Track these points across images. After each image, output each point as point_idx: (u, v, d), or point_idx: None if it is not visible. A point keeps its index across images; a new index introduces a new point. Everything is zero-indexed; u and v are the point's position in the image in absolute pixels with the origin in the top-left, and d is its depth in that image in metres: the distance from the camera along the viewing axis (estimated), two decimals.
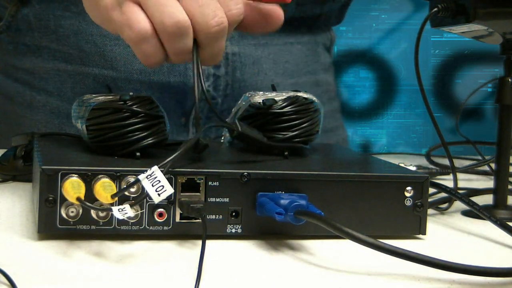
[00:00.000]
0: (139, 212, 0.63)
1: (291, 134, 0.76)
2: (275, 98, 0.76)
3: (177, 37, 0.69)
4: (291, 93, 0.78)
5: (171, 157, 0.62)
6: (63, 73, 1.03)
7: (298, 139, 0.76)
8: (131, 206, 0.60)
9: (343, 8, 1.17)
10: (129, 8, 0.69)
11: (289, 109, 0.76)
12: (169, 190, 0.60)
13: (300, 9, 1.08)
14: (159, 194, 0.60)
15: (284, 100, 0.76)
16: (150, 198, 0.60)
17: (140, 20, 0.69)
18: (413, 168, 0.99)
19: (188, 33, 0.69)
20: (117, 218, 0.62)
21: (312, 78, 1.12)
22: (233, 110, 0.79)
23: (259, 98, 0.77)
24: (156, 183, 0.60)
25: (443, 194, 0.79)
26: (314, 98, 0.79)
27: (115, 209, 0.59)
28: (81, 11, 1.02)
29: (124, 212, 0.59)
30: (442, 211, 0.80)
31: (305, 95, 0.78)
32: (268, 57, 1.07)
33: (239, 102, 0.79)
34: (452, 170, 0.80)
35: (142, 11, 0.69)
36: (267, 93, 0.79)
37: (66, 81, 1.03)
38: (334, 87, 1.19)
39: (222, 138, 0.82)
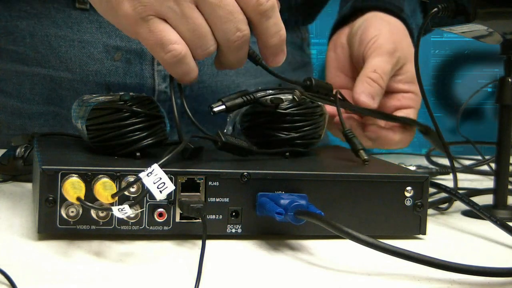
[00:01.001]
0: (139, 211, 0.63)
1: (294, 135, 0.76)
2: (281, 97, 0.76)
3: (205, 54, 0.69)
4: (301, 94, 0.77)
5: (169, 155, 0.62)
6: (21, 75, 1.03)
7: (300, 141, 0.76)
8: (131, 206, 0.60)
9: (309, 7, 1.16)
10: (158, 26, 0.67)
11: (295, 111, 0.76)
12: (170, 186, 0.60)
13: None
14: (161, 191, 0.60)
15: (291, 100, 0.76)
16: (152, 195, 0.60)
17: (173, 41, 0.67)
18: (413, 168, 1.00)
19: (214, 48, 0.69)
20: (117, 218, 0.62)
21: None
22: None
23: (266, 95, 0.76)
24: (157, 180, 0.60)
25: (443, 194, 0.79)
26: (319, 102, 0.78)
27: (115, 209, 0.59)
28: (37, 12, 1.03)
29: (124, 211, 0.59)
30: (442, 211, 0.80)
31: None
32: None
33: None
34: (452, 170, 0.80)
35: (172, 29, 0.68)
36: (273, 91, 0.78)
37: (24, 83, 1.03)
38: None
39: (225, 131, 0.82)
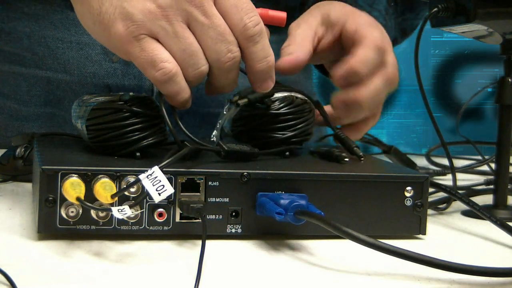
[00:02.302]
0: (139, 212, 0.63)
1: (290, 134, 0.76)
2: (270, 98, 0.76)
3: (197, 73, 0.69)
4: (286, 93, 0.78)
5: (171, 158, 0.62)
6: (18, 76, 1.03)
7: (296, 139, 0.76)
8: (131, 206, 0.60)
9: (308, 7, 1.15)
10: (150, 45, 0.67)
11: (287, 110, 0.76)
12: (169, 189, 0.60)
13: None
14: (159, 194, 0.60)
15: (281, 100, 0.77)
16: (151, 197, 0.60)
17: (164, 59, 0.67)
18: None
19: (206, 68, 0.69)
20: (117, 218, 0.62)
21: (277, 78, 1.11)
22: (224, 110, 0.79)
23: (253, 97, 0.77)
24: (156, 183, 0.60)
25: (443, 194, 0.79)
26: (306, 99, 0.79)
27: (114, 209, 0.59)
28: (34, 13, 1.03)
29: (124, 212, 0.59)
30: (441, 211, 0.80)
31: (299, 95, 0.78)
32: None
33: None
34: (451, 170, 0.80)
35: (164, 48, 0.68)
36: (259, 93, 0.78)
37: (21, 84, 1.03)
38: (307, 86, 1.18)
39: (213, 136, 0.82)
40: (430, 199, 0.76)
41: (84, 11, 0.72)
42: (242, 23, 0.68)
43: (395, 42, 1.10)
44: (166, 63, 0.67)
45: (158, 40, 0.68)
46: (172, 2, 0.67)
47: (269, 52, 0.70)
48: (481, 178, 1.03)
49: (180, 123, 0.70)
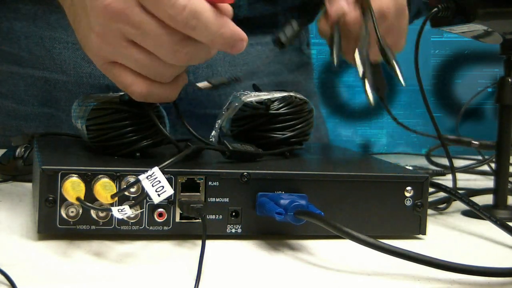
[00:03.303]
0: (139, 211, 0.63)
1: (289, 134, 0.76)
2: (270, 98, 0.76)
3: (168, 78, 0.67)
4: (284, 93, 0.78)
5: (171, 159, 0.62)
6: (16, 76, 1.03)
7: (295, 139, 0.76)
8: (131, 206, 0.60)
9: (308, 7, 1.15)
10: (114, 72, 0.67)
11: (287, 110, 0.76)
12: (169, 191, 0.60)
13: (252, 8, 1.06)
14: (159, 195, 0.60)
15: (281, 100, 0.77)
16: (150, 198, 0.60)
17: (129, 83, 0.66)
18: (410, 168, 1.00)
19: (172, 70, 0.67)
20: (117, 218, 0.62)
21: (275, 79, 1.10)
22: (223, 111, 0.79)
23: (251, 98, 0.77)
24: (156, 184, 0.60)
25: (443, 194, 0.79)
26: (306, 99, 0.79)
27: (114, 209, 0.59)
28: (32, 13, 1.03)
29: (124, 212, 0.59)
30: (441, 211, 0.80)
31: (298, 95, 0.78)
32: (224, 60, 1.05)
33: (228, 102, 0.79)
34: (451, 170, 0.80)
35: (127, 70, 0.66)
36: (257, 93, 0.79)
37: (19, 84, 1.03)
38: (307, 87, 1.18)
39: (211, 137, 0.82)
40: (430, 199, 0.76)
41: None
42: (168, 16, 0.63)
43: (419, 13, 1.09)
44: (132, 87, 0.66)
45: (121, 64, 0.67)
46: (104, 27, 0.65)
47: (215, 26, 0.63)
48: (480, 178, 1.03)
49: (185, 122, 0.70)
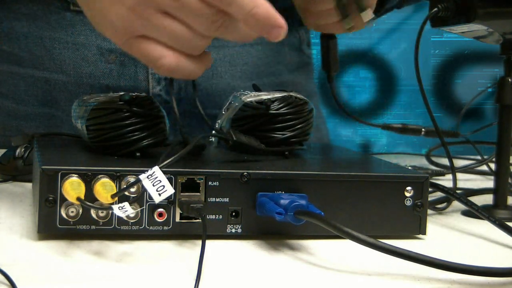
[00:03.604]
0: (139, 209, 0.62)
1: (289, 134, 0.76)
2: (270, 98, 0.76)
3: (199, 49, 0.67)
4: (284, 93, 0.78)
5: (171, 158, 0.62)
6: (16, 76, 1.03)
7: (295, 139, 0.76)
8: (130, 203, 0.60)
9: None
10: (141, 46, 0.66)
11: (287, 110, 0.76)
12: (169, 190, 0.60)
13: None
14: (159, 194, 0.60)
15: (281, 100, 0.77)
16: (151, 198, 0.60)
17: (158, 56, 0.66)
18: (410, 169, 1.00)
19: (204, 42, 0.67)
20: (117, 218, 0.62)
21: (275, 80, 1.10)
22: (223, 111, 0.79)
23: (251, 98, 0.77)
24: (157, 183, 0.60)
25: (441, 194, 0.79)
26: (306, 99, 0.79)
27: (115, 207, 0.59)
28: (32, 13, 1.03)
29: (124, 209, 0.59)
30: (440, 211, 0.80)
31: (298, 95, 0.78)
32: (224, 60, 1.05)
33: (228, 102, 0.79)
34: (451, 170, 0.80)
35: (156, 43, 0.66)
36: (257, 93, 0.79)
37: (19, 84, 1.03)
38: (308, 87, 1.18)
39: (211, 137, 0.82)
40: (430, 199, 0.76)
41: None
42: None
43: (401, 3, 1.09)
44: (161, 60, 0.66)
45: (149, 37, 0.67)
46: (139, 0, 0.65)
47: (249, 5, 0.63)
48: (480, 178, 1.03)
49: (199, 105, 0.69)
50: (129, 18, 0.66)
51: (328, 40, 0.89)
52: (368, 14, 0.78)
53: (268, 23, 0.64)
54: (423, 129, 0.95)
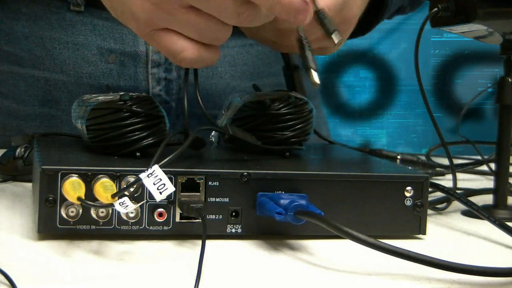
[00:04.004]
0: (139, 204, 0.62)
1: (289, 134, 0.76)
2: (269, 98, 0.76)
3: (222, 41, 0.67)
4: (284, 93, 0.78)
5: (170, 156, 0.62)
6: (17, 76, 1.03)
7: (295, 139, 0.76)
8: (130, 198, 0.60)
9: None
10: (163, 39, 0.67)
11: (287, 110, 0.76)
12: (170, 188, 0.60)
13: None
14: (160, 192, 0.60)
15: (281, 100, 0.77)
16: (152, 196, 0.60)
17: (180, 50, 0.67)
18: (410, 169, 1.00)
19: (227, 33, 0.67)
20: (117, 218, 0.62)
21: (275, 80, 1.10)
22: (223, 111, 0.79)
23: (251, 98, 0.77)
24: (157, 181, 0.60)
25: (441, 194, 0.79)
26: (306, 99, 0.79)
27: (116, 203, 0.59)
28: (32, 13, 1.03)
29: (125, 204, 0.59)
30: (440, 211, 0.80)
31: (298, 95, 0.78)
32: (224, 60, 1.05)
33: (228, 102, 0.79)
34: (452, 170, 0.80)
35: (178, 36, 0.67)
36: (257, 93, 0.79)
37: (19, 84, 1.03)
38: (308, 87, 1.18)
39: (211, 137, 0.82)
40: (430, 199, 0.76)
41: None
42: None
43: (402, 10, 1.09)
44: (183, 53, 0.67)
45: (172, 30, 0.67)
46: None
47: None
48: (480, 178, 1.03)
49: (200, 100, 0.69)
50: (153, 12, 0.66)
51: (291, 72, 0.87)
52: (337, 36, 0.76)
53: (293, 8, 0.64)
54: (398, 156, 0.97)
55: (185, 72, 0.72)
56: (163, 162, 0.61)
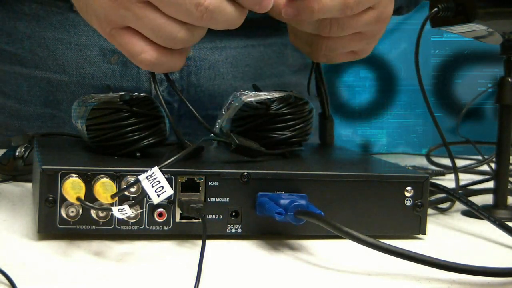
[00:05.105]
0: (139, 211, 0.63)
1: (289, 134, 0.76)
2: (270, 98, 0.76)
3: (178, 43, 0.66)
4: (284, 93, 0.78)
5: (171, 159, 0.62)
6: (19, 76, 1.04)
7: (295, 139, 0.76)
8: (131, 206, 0.60)
9: None
10: (123, 38, 0.67)
11: (287, 110, 0.76)
12: (168, 191, 0.60)
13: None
14: (158, 195, 0.60)
15: (280, 100, 0.77)
16: (150, 198, 0.60)
17: (139, 51, 0.66)
18: (410, 169, 1.00)
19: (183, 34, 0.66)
20: (117, 218, 0.62)
21: (277, 81, 1.10)
22: (223, 111, 0.79)
23: (252, 98, 0.77)
24: (156, 184, 0.60)
25: (443, 194, 0.79)
26: (306, 99, 0.79)
27: (114, 209, 0.59)
28: (35, 14, 1.03)
29: (124, 212, 0.59)
30: (442, 211, 0.80)
31: (298, 95, 0.78)
32: (226, 61, 1.05)
33: (228, 102, 0.79)
34: (454, 170, 0.80)
35: (138, 36, 0.66)
36: (257, 93, 0.79)
37: (22, 84, 1.04)
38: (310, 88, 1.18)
39: (217, 125, 0.82)
40: (431, 199, 0.76)
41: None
42: None
43: (399, 10, 1.09)
44: (142, 55, 0.66)
45: (132, 29, 0.66)
46: None
47: None
48: (481, 178, 1.03)
49: (193, 109, 0.69)
50: (110, 8, 0.66)
51: (325, 120, 0.88)
52: None
53: None
54: None
55: (166, 79, 0.70)
56: (162, 165, 0.61)
